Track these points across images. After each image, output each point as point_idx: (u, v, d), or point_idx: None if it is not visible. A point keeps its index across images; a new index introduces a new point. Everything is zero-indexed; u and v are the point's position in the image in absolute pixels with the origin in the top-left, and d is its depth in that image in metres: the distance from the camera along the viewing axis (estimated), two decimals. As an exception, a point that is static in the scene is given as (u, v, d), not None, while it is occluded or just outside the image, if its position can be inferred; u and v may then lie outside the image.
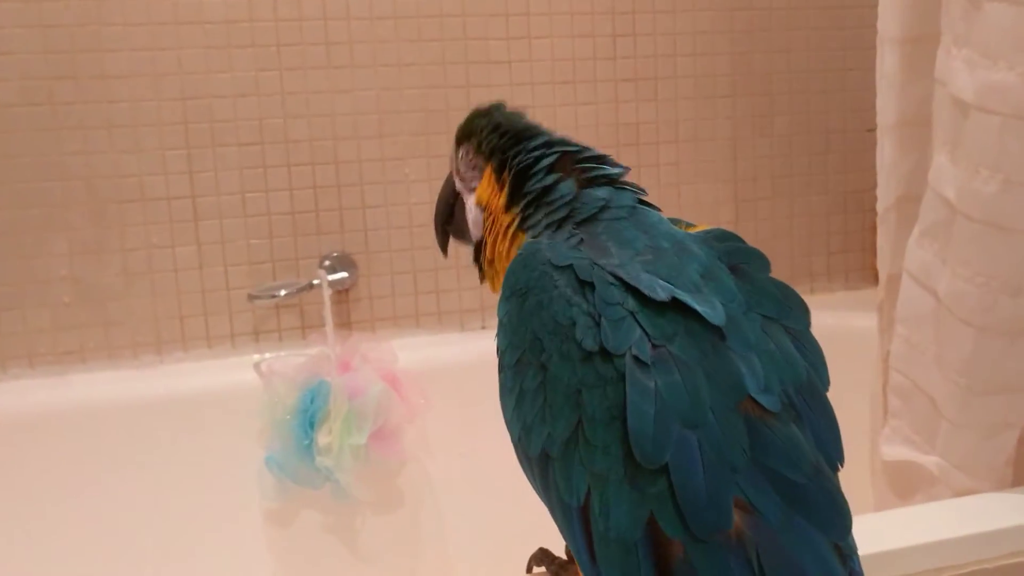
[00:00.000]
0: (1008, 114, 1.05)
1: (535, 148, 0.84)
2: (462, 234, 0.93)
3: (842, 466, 0.71)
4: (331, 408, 1.65)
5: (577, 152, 0.84)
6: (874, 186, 2.09)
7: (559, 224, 0.79)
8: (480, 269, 0.90)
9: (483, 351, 1.57)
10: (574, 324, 0.69)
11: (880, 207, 1.31)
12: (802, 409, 0.69)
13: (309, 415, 1.65)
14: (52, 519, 1.64)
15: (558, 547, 0.85)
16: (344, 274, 1.81)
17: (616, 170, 0.83)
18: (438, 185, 0.95)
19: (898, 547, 1.02)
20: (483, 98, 2.02)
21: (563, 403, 0.68)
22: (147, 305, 1.77)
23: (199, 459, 1.69)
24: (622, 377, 0.66)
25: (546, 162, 0.83)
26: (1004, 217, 1.07)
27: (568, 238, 0.77)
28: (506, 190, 0.84)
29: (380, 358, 1.74)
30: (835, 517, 0.67)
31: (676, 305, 0.68)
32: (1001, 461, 1.15)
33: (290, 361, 1.73)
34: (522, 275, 0.75)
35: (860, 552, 0.69)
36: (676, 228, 0.79)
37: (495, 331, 0.77)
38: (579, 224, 0.78)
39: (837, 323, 1.82)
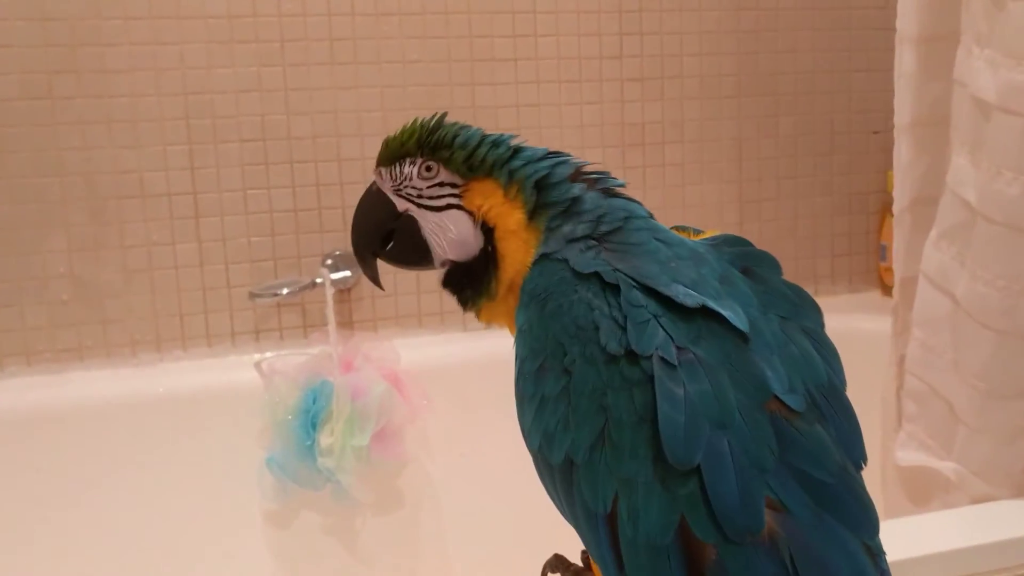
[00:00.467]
0: (1031, 115, 1.04)
1: (541, 159, 0.80)
2: (414, 258, 0.87)
3: (865, 465, 0.71)
4: (334, 409, 1.63)
5: (579, 163, 0.81)
6: (878, 188, 2.10)
7: (586, 235, 0.76)
8: (466, 295, 0.84)
9: (486, 351, 1.55)
10: (597, 328, 0.68)
11: (896, 209, 1.30)
12: (825, 409, 0.69)
13: (311, 415, 1.63)
14: (50, 519, 1.62)
15: (562, 549, 0.84)
16: (347, 273, 1.80)
17: (621, 182, 0.82)
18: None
19: (914, 556, 1.01)
20: (488, 96, 2.01)
21: (588, 407, 0.67)
22: (146, 303, 1.75)
23: (199, 459, 1.68)
24: (649, 379, 0.65)
25: (563, 172, 0.79)
26: (1027, 220, 1.06)
27: (590, 248, 0.75)
28: (530, 203, 0.78)
29: (382, 358, 1.72)
30: (863, 516, 0.67)
31: (700, 311, 0.68)
32: (1020, 467, 1.14)
33: (291, 360, 1.71)
34: (541, 281, 0.73)
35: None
36: (685, 237, 0.78)
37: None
38: (605, 235, 0.76)
39: (842, 325, 1.80)
